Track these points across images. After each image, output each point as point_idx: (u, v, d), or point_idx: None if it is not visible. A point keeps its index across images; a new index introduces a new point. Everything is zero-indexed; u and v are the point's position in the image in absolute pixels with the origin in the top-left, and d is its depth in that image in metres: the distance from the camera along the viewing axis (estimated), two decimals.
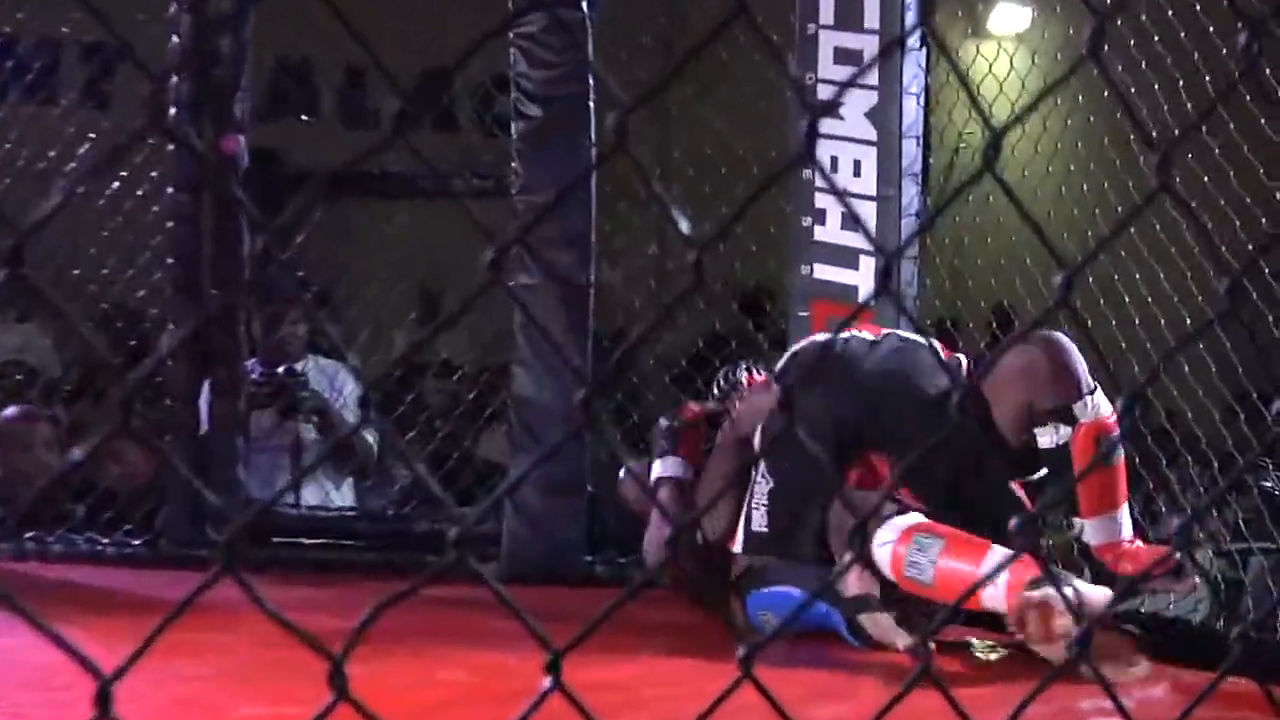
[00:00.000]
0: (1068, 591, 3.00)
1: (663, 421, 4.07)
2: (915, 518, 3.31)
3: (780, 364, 3.72)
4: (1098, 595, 3.03)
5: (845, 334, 3.61)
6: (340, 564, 4.67)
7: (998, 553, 3.15)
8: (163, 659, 2.77)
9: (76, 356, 5.80)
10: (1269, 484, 4.40)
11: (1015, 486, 3.53)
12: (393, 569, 4.56)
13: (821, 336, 3.85)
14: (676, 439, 4.00)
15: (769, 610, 3.42)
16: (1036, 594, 3.00)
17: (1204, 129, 3.68)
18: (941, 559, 3.20)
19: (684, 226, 0.82)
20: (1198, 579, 3.51)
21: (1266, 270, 3.11)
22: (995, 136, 0.88)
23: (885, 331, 3.63)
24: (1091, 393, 3.38)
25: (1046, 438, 3.43)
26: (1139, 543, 3.45)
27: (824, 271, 4.38)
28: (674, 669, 3.05)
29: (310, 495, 5.07)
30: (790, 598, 3.35)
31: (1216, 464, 3.97)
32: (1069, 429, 3.38)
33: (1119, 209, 4.11)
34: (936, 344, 3.62)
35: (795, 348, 3.82)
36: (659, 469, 3.99)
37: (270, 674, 2.80)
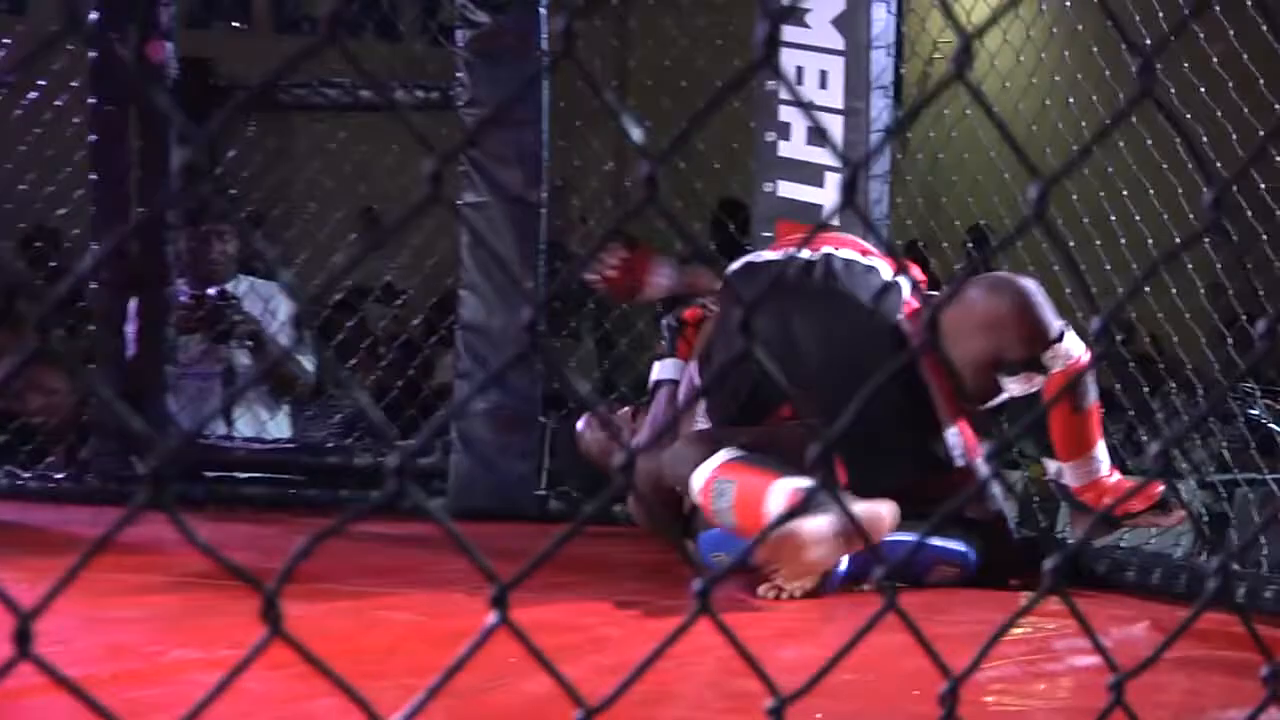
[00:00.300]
0: (833, 519, 3.02)
1: (666, 319, 3.96)
2: (722, 456, 3.31)
3: (726, 278, 3.62)
4: (877, 516, 3.04)
5: (793, 252, 3.60)
6: (279, 500, 4.67)
7: (779, 489, 3.16)
8: (97, 602, 2.79)
9: None
10: (1255, 412, 4.44)
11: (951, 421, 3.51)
12: (335, 505, 4.57)
13: (764, 255, 3.78)
14: (675, 339, 3.90)
15: (722, 551, 3.43)
16: (782, 530, 3.00)
17: (1202, 36, 3.68)
18: (736, 500, 3.21)
19: (636, 135, 0.82)
20: (1183, 511, 3.53)
21: (1262, 185, 3.11)
22: (965, 41, 0.88)
23: (825, 251, 3.60)
24: (1060, 339, 3.37)
25: (1017, 385, 3.43)
26: (1118, 475, 3.48)
27: (788, 189, 4.37)
28: (638, 608, 3.07)
29: (246, 427, 5.06)
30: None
31: (1201, 391, 3.99)
32: (1042, 376, 3.39)
33: (1107, 122, 4.11)
34: (884, 267, 3.57)
35: (744, 262, 3.72)
36: (657, 371, 3.91)
37: (205, 615, 2.81)
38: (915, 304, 3.50)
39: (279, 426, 5.20)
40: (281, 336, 5.12)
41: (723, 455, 3.32)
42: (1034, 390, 3.42)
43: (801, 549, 3.01)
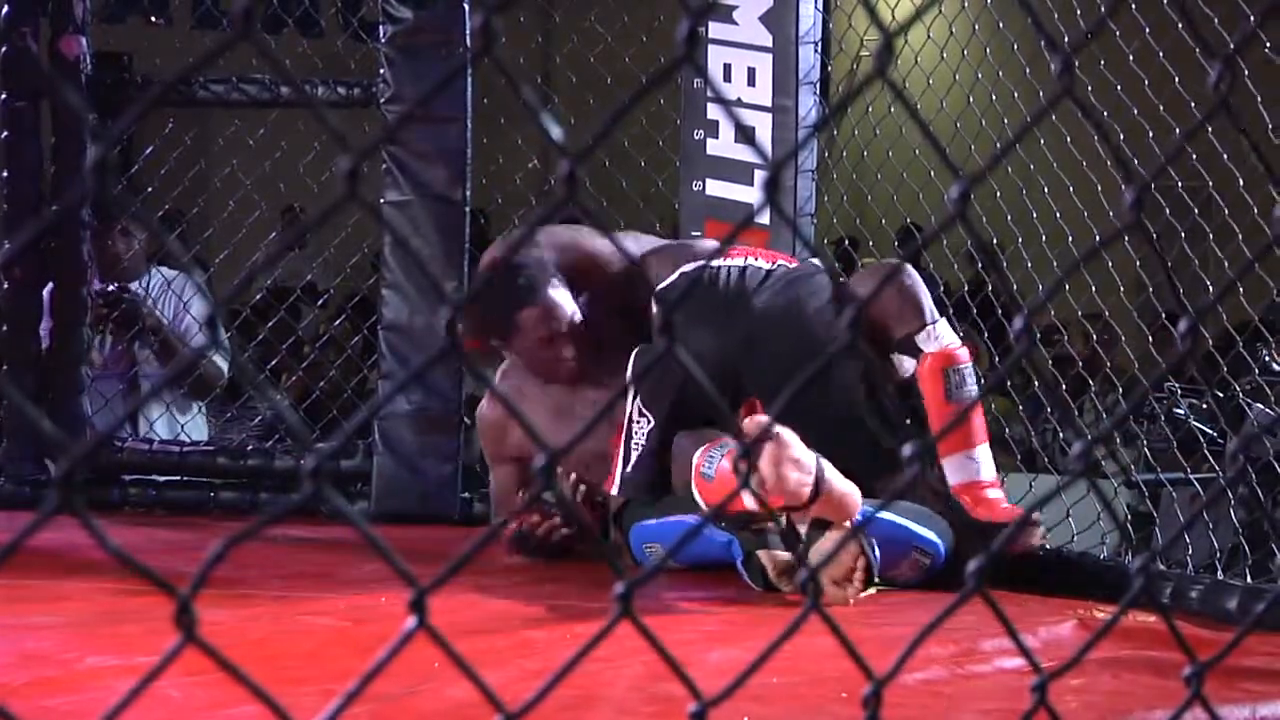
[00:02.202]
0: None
1: None
2: (706, 437, 3.36)
3: (665, 284, 3.62)
4: (850, 493, 3.09)
5: (740, 261, 3.60)
6: (196, 503, 4.64)
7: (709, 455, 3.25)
8: (9, 609, 2.76)
9: None
10: (1181, 411, 4.49)
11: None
12: (254, 508, 4.54)
13: (704, 265, 3.78)
14: None
15: (657, 542, 3.43)
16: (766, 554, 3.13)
17: (1117, 34, 3.72)
18: (723, 461, 3.25)
19: (555, 133, 0.82)
20: (1044, 532, 3.53)
21: (1179, 183, 3.15)
22: (887, 39, 0.89)
23: (779, 261, 3.64)
24: (934, 322, 3.44)
25: (910, 365, 3.48)
26: (1000, 492, 3.48)
27: (717, 188, 4.38)
28: (564, 611, 3.07)
29: (163, 429, 5.02)
30: (683, 525, 3.35)
31: (1120, 390, 4.04)
32: (913, 361, 3.44)
33: (1028, 119, 4.14)
34: (825, 274, 3.63)
35: (682, 271, 3.71)
36: None
37: (122, 621, 2.79)
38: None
39: (196, 428, 5.16)
40: (195, 333, 5.07)
41: (707, 435, 3.36)
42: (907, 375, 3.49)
43: (785, 449, 3.04)
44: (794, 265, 3.65)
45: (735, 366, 3.45)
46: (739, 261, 3.60)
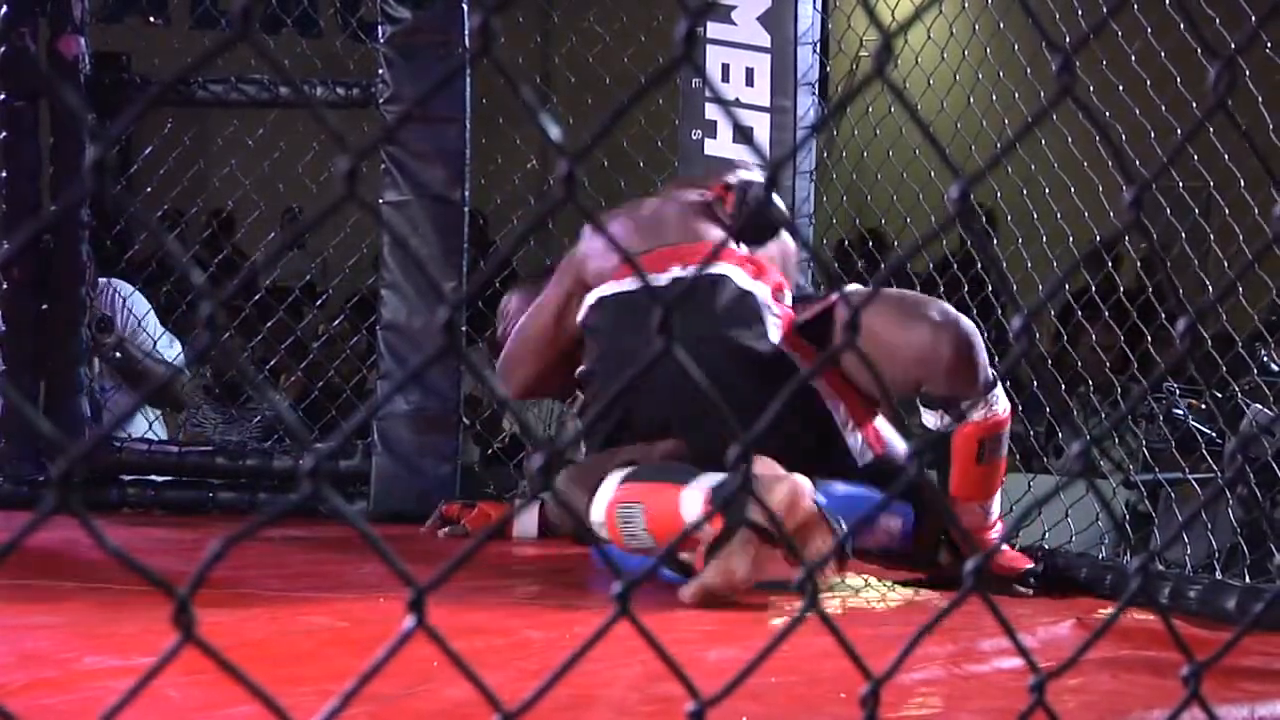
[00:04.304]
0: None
1: None
2: (613, 482, 3.29)
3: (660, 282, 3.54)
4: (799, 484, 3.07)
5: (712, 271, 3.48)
6: (195, 504, 4.64)
7: (690, 495, 3.15)
8: (8, 609, 2.76)
9: None
10: (1180, 411, 4.49)
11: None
12: (253, 509, 4.54)
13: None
14: None
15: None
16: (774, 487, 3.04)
17: (1119, 34, 3.72)
18: (650, 522, 3.21)
19: (554, 133, 0.82)
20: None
21: (1180, 184, 3.15)
22: (886, 39, 0.89)
23: (724, 270, 3.48)
24: (990, 388, 3.35)
25: (932, 418, 3.43)
26: (999, 527, 3.49)
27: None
28: (563, 612, 3.07)
29: (161, 430, 5.02)
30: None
31: (1119, 390, 4.03)
32: (956, 421, 3.37)
33: (1030, 119, 4.14)
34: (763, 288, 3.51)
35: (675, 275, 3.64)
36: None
37: (120, 622, 2.79)
38: (789, 314, 3.46)
39: (160, 429, 5.17)
40: (142, 336, 5.06)
41: (613, 480, 3.29)
42: (946, 430, 3.40)
43: (734, 571, 3.03)
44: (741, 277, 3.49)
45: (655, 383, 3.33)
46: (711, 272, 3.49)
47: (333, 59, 5.57)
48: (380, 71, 4.54)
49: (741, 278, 3.44)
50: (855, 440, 3.44)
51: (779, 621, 3.10)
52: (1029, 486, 3.97)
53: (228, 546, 0.78)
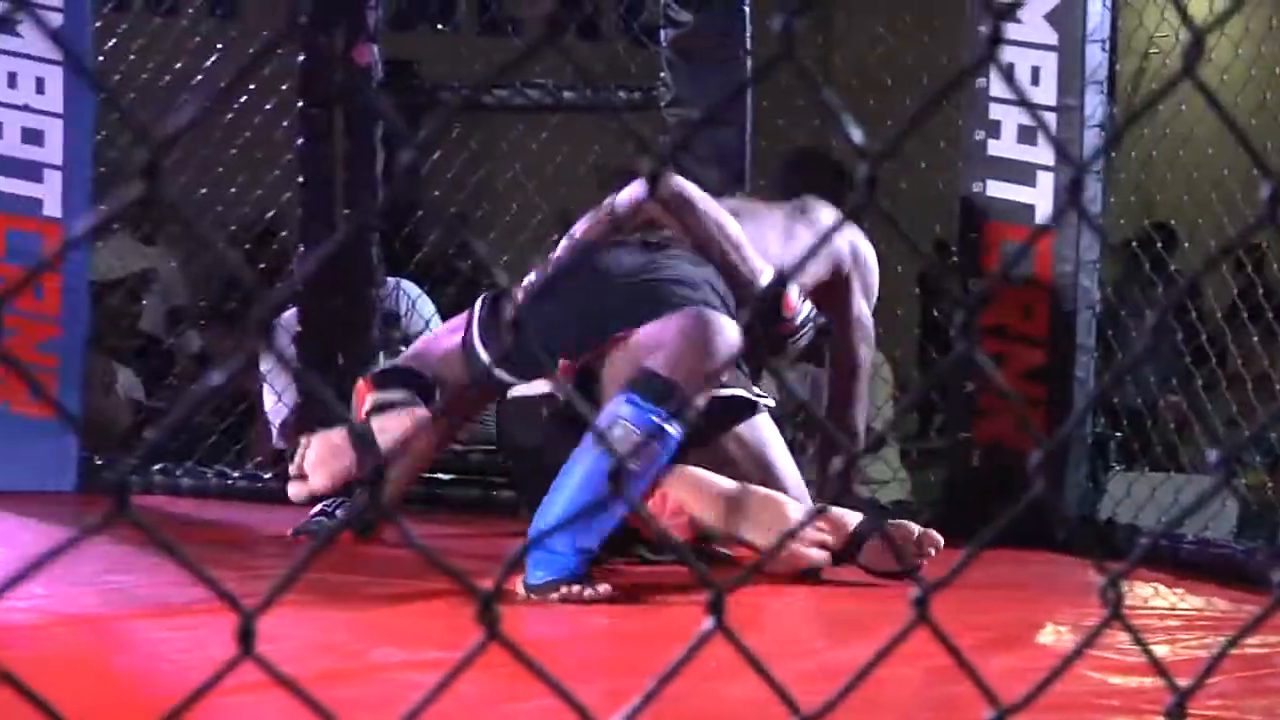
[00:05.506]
0: None
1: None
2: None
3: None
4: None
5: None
6: (477, 502, 4.70)
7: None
8: (312, 602, 2.85)
9: (205, 279, 5.91)
10: None
11: None
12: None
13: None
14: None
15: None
16: None
17: None
18: None
19: (856, 136, 0.81)
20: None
21: None
22: (1197, 36, 0.86)
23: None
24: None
25: None
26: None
27: (998, 189, 4.31)
28: (843, 615, 3.05)
29: None
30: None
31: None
32: None
33: None
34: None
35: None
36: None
37: (408, 615, 2.86)
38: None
39: None
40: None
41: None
42: None
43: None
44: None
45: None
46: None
47: (615, 63, 5.63)
48: (661, 74, 4.57)
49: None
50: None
51: (1049, 630, 3.05)
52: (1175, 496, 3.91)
53: (528, 549, 0.79)
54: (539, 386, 3.41)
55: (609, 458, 3.06)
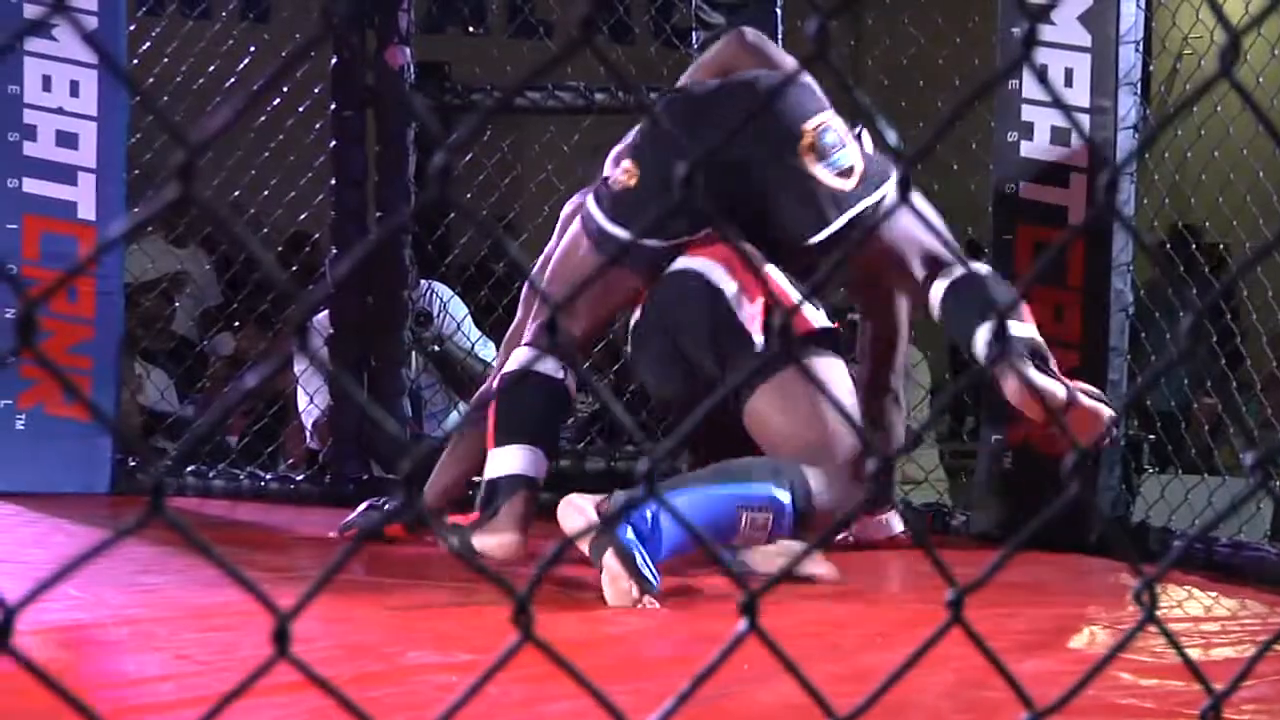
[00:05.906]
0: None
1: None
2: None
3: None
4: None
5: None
6: None
7: None
8: (345, 603, 2.85)
9: (238, 281, 5.93)
10: None
11: None
12: None
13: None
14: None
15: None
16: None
17: None
18: None
19: (891, 138, 0.81)
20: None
21: None
22: (1234, 37, 0.86)
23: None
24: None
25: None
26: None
27: (1030, 191, 4.30)
28: (870, 618, 3.04)
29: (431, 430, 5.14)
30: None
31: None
32: None
33: None
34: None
35: None
36: None
37: (440, 618, 2.86)
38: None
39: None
40: (460, 339, 5.21)
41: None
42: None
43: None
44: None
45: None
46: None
47: (646, 65, 5.64)
48: None
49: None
50: (747, 314, 3.28)
51: (1082, 633, 3.05)
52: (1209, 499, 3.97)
53: (563, 549, 0.79)
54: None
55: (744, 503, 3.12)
